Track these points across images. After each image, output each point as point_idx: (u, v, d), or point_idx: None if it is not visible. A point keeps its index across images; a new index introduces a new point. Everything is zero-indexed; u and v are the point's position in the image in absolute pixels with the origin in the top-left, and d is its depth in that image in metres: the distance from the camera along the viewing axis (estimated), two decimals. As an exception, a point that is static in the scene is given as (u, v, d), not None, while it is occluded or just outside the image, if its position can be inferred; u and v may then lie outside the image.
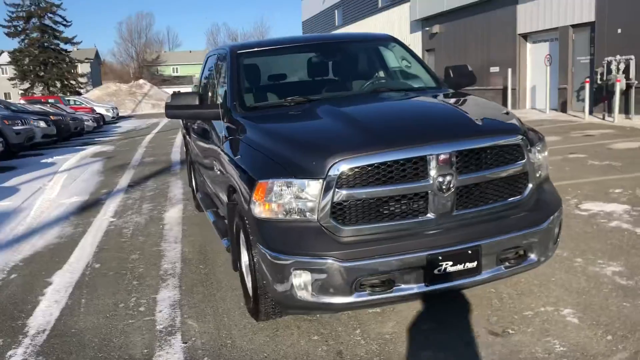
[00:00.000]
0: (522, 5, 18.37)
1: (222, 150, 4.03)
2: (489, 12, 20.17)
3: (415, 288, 3.02)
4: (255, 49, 4.63)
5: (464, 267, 3.04)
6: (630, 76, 13.65)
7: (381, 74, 4.74)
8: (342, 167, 2.91)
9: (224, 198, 4.24)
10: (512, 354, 3.00)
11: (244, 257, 3.87)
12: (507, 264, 3.20)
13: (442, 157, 3.00)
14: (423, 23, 26.16)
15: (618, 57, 13.85)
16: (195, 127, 5.47)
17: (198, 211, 6.95)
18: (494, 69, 20.33)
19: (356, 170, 2.93)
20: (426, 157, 2.99)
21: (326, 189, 2.93)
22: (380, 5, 33.99)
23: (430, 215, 3.06)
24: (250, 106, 4.11)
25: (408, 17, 28.69)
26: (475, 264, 3.06)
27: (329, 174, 2.91)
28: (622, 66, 13.68)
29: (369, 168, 2.95)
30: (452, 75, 4.61)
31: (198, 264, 4.98)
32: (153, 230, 6.33)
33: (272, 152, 3.23)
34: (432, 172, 3.00)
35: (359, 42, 5.05)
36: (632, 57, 13.57)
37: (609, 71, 14.02)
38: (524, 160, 3.25)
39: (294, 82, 4.69)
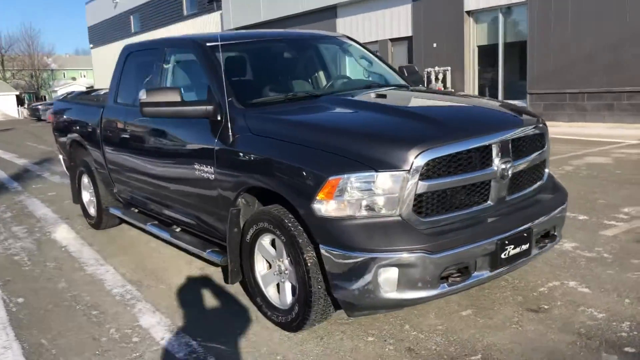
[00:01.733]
0: (342, 19, 19.61)
1: (219, 151, 3.63)
2: (308, 24, 21.08)
3: (485, 274, 3.09)
4: (227, 42, 4.25)
5: (520, 249, 3.20)
6: (448, 85, 15.51)
7: (360, 70, 4.72)
8: (425, 157, 2.86)
9: (214, 205, 3.83)
10: (567, 326, 3.24)
11: (259, 267, 3.57)
12: (541, 244, 3.45)
13: (503, 144, 3.14)
14: (237, 33, 26.28)
15: (437, 67, 15.63)
16: (131, 131, 4.80)
17: (96, 229, 6.10)
18: (315, 79, 21.32)
19: (437, 160, 2.91)
20: (491, 146, 3.10)
21: (410, 181, 2.85)
22: (186, 12, 33.26)
23: (490, 202, 3.17)
24: (251, 102, 3.78)
25: (219, 26, 28.63)
26: (528, 245, 3.25)
27: (414, 165, 2.84)
28: (440, 76, 15.48)
29: (448, 158, 2.95)
30: (406, 74, 4.82)
31: (156, 284, 4.39)
32: (56, 254, 5.38)
33: (330, 146, 3.01)
34: (496, 160, 3.12)
35: (324, 40, 4.96)
36: (449, 68, 15.45)
37: (429, 81, 15.74)
38: (545, 147, 3.55)
39: (278, 77, 4.40)
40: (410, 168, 2.84)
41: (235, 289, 4.13)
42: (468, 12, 14.97)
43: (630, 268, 4.04)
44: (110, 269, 4.84)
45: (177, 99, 3.76)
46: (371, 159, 2.88)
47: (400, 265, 2.84)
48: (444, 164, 2.94)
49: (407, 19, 16.80)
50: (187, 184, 4.08)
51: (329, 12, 19.98)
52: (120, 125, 5.01)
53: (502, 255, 3.10)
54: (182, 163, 4.10)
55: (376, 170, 2.85)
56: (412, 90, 4.27)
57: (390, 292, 2.90)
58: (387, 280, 2.87)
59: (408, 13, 16.70)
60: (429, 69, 15.85)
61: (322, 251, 2.99)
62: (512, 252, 3.15)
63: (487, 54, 14.93)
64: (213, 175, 3.73)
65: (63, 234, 6.12)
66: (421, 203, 2.93)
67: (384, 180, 2.86)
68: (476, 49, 15.25)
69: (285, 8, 21.91)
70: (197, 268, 4.69)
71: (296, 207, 3.10)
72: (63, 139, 6.47)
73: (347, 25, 19.43)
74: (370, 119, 3.34)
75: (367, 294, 2.91)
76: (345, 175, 2.87)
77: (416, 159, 2.85)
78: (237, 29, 25.72)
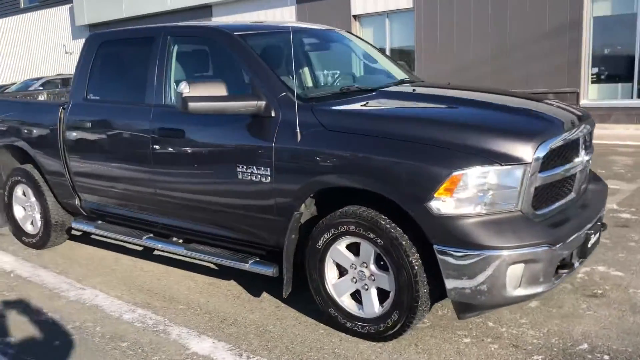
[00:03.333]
0: (218, 19, 19.03)
1: (280, 151, 3.28)
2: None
3: (577, 264, 3.17)
4: (255, 32, 3.85)
5: (596, 238, 3.34)
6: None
7: (382, 66, 4.53)
8: (544, 149, 2.85)
9: (264, 210, 3.47)
10: (635, 307, 3.43)
11: (330, 275, 3.30)
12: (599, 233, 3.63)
13: (586, 137, 3.26)
14: (91, 29, 24.23)
15: (325, 71, 15.81)
16: (120, 132, 4.15)
17: (38, 249, 5.21)
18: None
19: (551, 152, 2.92)
20: (579, 138, 3.19)
21: (531, 174, 2.82)
22: (23, 4, 30.00)
23: (573, 194, 3.26)
24: (307, 96, 3.46)
25: (68, 21, 26.30)
26: (598, 234, 3.40)
27: (535, 157, 2.82)
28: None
29: (557, 150, 2.98)
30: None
31: (172, 305, 3.85)
32: (7, 281, 4.49)
33: (443, 141, 2.85)
34: (582, 152, 3.21)
35: (336, 34, 4.68)
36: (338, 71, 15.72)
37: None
38: (591, 139, 3.74)
39: (313, 70, 4.07)
40: (532, 160, 2.81)
41: (275, 301, 3.78)
42: (355, 17, 15.39)
43: (634, 250, 4.41)
44: (98, 292, 4.15)
45: (224, 92, 3.35)
46: (493, 153, 2.79)
47: (526, 261, 2.80)
48: (553, 156, 2.97)
49: (291, 17, 16.79)
50: (222, 190, 3.63)
51: (203, 11, 19.28)
52: (98, 126, 4.31)
53: (588, 245, 3.20)
54: (214, 166, 3.65)
55: (500, 164, 2.77)
56: (450, 87, 4.24)
57: (515, 289, 2.83)
58: (513, 277, 2.81)
59: (292, 15, 16.70)
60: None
61: (438, 252, 2.84)
62: (592, 241, 3.27)
63: (374, 57, 15.48)
64: (269, 178, 3.36)
65: (1, 258, 5.13)
66: (535, 196, 2.92)
67: (507, 173, 2.79)
68: (362, 53, 15.73)
69: (152, 4, 20.71)
70: (206, 283, 4.21)
71: (404, 206, 2.90)
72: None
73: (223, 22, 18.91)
74: (472, 113, 3.23)
75: (489, 293, 2.82)
76: (468, 170, 2.76)
77: (537, 151, 2.82)
78: (92, 25, 23.82)
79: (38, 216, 5.14)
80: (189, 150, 3.76)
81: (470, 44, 13.09)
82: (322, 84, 4.00)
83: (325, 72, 4.44)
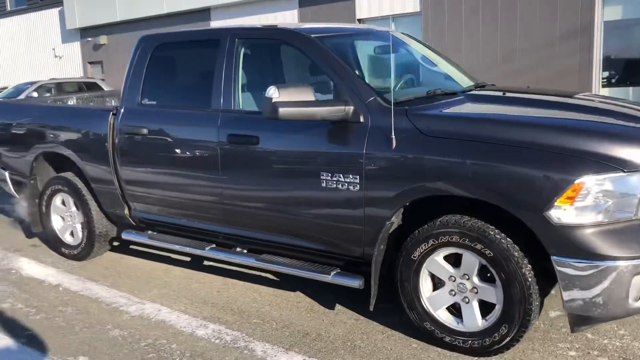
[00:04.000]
0: (217, 22, 18.80)
1: (372, 158, 3.13)
2: (177, 27, 19.91)
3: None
4: (329, 34, 3.70)
5: None
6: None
7: (447, 69, 4.38)
8: (660, 155, 2.76)
9: (350, 220, 3.33)
10: None
11: (425, 288, 3.17)
12: None
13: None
14: (82, 33, 23.87)
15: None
16: (185, 139, 3.96)
17: (79, 260, 4.98)
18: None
19: (664, 159, 2.83)
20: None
21: (651, 181, 2.73)
22: (10, 7, 29.45)
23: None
24: (397, 100, 3.31)
25: (58, 24, 25.83)
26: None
27: (654, 163, 2.72)
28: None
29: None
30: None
31: (244, 319, 3.68)
32: (57, 295, 4.28)
33: (561, 147, 2.72)
34: None
35: (393, 36, 4.54)
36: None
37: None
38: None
39: (388, 72, 3.90)
40: (653, 167, 2.71)
41: (352, 314, 3.63)
42: (360, 20, 15.29)
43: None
44: (159, 306, 3.96)
45: (311, 97, 3.20)
46: (614, 159, 2.68)
47: (648, 272, 2.70)
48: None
49: (293, 18, 16.66)
50: (302, 199, 3.47)
51: (202, 14, 19.04)
52: (155, 132, 4.11)
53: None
54: (293, 174, 3.49)
55: (623, 171, 2.67)
56: (531, 91, 4.13)
57: (636, 301, 2.73)
58: (635, 288, 2.70)
59: (295, 19, 16.56)
60: (321, 75, 15.87)
61: (557, 263, 2.72)
62: None
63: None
64: (358, 186, 3.21)
65: (37, 270, 4.88)
66: (646, 203, 2.82)
67: (629, 180, 2.68)
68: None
69: (148, 8, 20.44)
70: (270, 295, 4.05)
71: (519, 216, 2.78)
72: (19, 153, 5.17)
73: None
74: (583, 118, 3.10)
75: (608, 305, 2.71)
76: (591, 177, 2.65)
77: None
78: (83, 29, 23.43)
79: (79, 226, 4.93)
80: (265, 157, 3.60)
81: (480, 48, 13.08)
82: (400, 88, 3.87)
83: (398, 75, 4.29)
